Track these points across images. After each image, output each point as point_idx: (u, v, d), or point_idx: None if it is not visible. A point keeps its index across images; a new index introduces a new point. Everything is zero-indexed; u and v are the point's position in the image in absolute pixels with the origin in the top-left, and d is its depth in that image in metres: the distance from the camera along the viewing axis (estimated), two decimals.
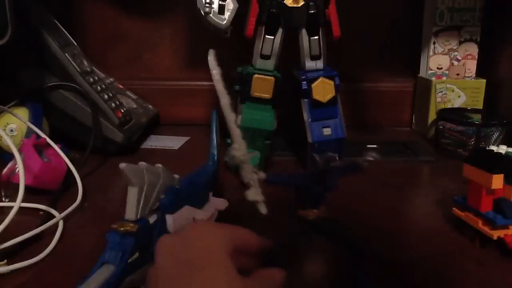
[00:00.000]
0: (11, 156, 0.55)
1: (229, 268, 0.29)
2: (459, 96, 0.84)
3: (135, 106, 0.82)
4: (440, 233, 0.50)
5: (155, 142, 0.82)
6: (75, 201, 0.53)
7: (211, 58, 0.43)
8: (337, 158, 0.38)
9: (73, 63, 0.70)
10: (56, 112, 0.70)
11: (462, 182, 0.48)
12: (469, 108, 0.82)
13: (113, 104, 0.73)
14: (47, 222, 0.48)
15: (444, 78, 0.85)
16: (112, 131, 0.71)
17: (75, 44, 0.76)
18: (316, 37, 0.62)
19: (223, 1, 0.61)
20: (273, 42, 0.61)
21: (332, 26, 0.61)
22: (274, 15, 0.60)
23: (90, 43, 0.88)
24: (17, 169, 0.50)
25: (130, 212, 0.37)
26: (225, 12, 0.61)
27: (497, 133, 0.71)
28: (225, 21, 0.61)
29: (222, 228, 0.32)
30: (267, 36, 0.61)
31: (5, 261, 0.42)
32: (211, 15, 0.60)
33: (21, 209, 0.45)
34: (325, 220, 0.39)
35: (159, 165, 0.42)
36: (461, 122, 0.73)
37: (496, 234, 0.44)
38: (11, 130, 0.65)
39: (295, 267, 0.42)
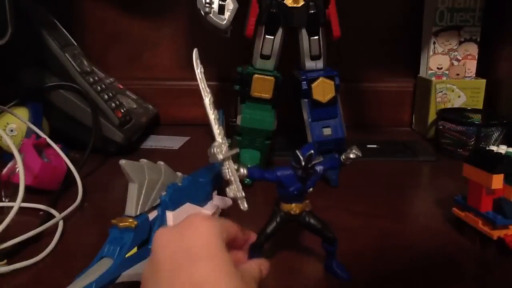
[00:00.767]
0: (11, 156, 0.55)
1: (227, 259, 0.29)
2: (459, 96, 0.84)
3: (135, 106, 0.82)
4: (440, 233, 0.50)
5: (155, 142, 0.82)
6: (75, 201, 0.54)
7: (194, 58, 0.44)
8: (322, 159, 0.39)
9: (73, 63, 0.70)
10: (56, 112, 0.70)
11: (462, 182, 0.48)
12: (469, 108, 0.82)
13: (113, 104, 0.73)
14: (47, 222, 0.48)
15: (444, 78, 0.85)
16: (112, 131, 0.71)
17: (75, 44, 0.76)
18: (316, 37, 0.62)
19: (223, 1, 0.61)
20: (273, 42, 0.61)
21: (332, 26, 0.61)
22: (274, 15, 0.60)
23: (90, 43, 0.88)
24: (17, 169, 0.50)
25: (130, 208, 0.37)
26: (225, 12, 0.61)
27: (497, 133, 0.71)
28: (225, 21, 0.61)
29: (216, 220, 0.33)
30: (267, 36, 0.61)
31: (5, 261, 0.42)
32: (211, 15, 0.60)
33: (21, 209, 0.45)
34: (308, 215, 0.40)
35: (161, 162, 0.42)
36: (461, 122, 0.73)
37: (496, 234, 0.44)
38: (11, 130, 0.65)
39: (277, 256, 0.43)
